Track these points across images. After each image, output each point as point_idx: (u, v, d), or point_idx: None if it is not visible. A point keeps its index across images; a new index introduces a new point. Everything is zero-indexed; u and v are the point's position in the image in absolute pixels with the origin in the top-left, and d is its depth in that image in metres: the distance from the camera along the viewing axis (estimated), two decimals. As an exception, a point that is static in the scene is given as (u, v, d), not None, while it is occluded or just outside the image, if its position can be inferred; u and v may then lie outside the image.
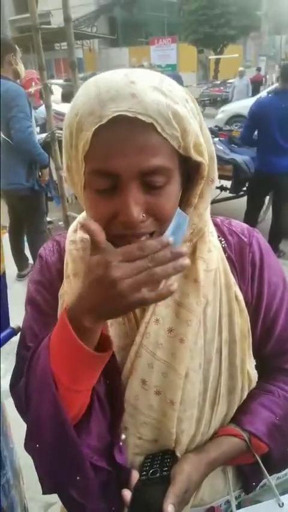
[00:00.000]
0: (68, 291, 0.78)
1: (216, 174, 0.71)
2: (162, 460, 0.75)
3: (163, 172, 0.63)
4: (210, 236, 0.78)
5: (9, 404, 1.16)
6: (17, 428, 1.17)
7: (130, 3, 26.01)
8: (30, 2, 3.68)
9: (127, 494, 0.70)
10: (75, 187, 0.70)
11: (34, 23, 3.73)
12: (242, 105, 9.97)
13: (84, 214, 0.83)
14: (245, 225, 0.88)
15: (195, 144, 0.65)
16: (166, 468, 0.73)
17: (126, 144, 0.59)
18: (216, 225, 0.84)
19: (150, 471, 0.74)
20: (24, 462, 1.19)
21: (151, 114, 0.59)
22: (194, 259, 0.75)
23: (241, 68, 13.48)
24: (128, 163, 0.60)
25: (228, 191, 5.07)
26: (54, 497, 0.94)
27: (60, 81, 8.21)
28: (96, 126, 0.59)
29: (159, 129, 0.60)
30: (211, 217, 0.81)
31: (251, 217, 4.48)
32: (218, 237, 0.82)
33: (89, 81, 0.65)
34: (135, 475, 0.73)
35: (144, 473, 0.74)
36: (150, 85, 0.61)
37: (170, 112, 0.60)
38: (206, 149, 0.68)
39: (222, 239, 0.82)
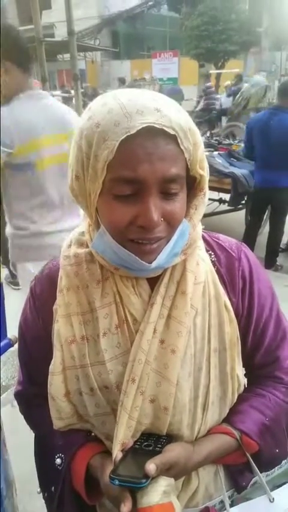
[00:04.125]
0: (61, 304, 0.81)
1: (207, 187, 0.77)
2: (157, 439, 0.79)
3: (179, 180, 0.69)
4: (198, 250, 0.81)
5: (5, 416, 1.16)
6: (12, 440, 1.17)
7: (133, 18, 26.35)
8: (34, 14, 3.74)
9: (118, 454, 0.74)
10: (86, 196, 0.71)
11: (38, 36, 3.79)
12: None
13: (79, 229, 0.86)
14: (233, 240, 0.91)
15: (201, 159, 0.71)
16: (160, 446, 0.77)
17: (152, 153, 0.65)
18: (204, 239, 0.88)
19: (145, 443, 0.78)
20: (17, 474, 1.18)
21: (174, 127, 0.65)
22: (184, 273, 0.79)
23: (228, 82, 10.91)
24: (153, 171, 0.65)
25: (227, 204, 5.10)
26: (45, 510, 0.93)
27: (59, 93, 8.32)
28: (124, 136, 0.63)
29: (179, 141, 0.67)
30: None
31: (252, 231, 4.51)
32: (208, 250, 0.86)
33: (104, 95, 0.71)
34: (130, 442, 0.77)
35: (139, 443, 0.78)
36: (167, 102, 0.68)
37: (187, 127, 0.68)
38: None
39: (212, 253, 0.86)
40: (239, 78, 12.23)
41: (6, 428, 1.14)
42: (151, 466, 0.69)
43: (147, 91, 0.70)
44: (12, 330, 1.15)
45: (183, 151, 0.68)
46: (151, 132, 0.64)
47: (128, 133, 0.63)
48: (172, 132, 0.65)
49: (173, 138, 0.66)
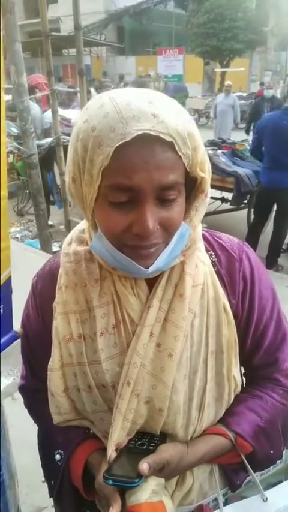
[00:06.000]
0: (59, 302, 0.81)
1: (209, 188, 0.75)
2: (151, 438, 0.79)
3: (177, 187, 0.67)
4: (197, 251, 0.80)
5: (6, 406, 1.17)
6: (12, 433, 1.18)
7: (139, 13, 26.27)
8: (41, 9, 3.73)
9: (112, 454, 0.74)
10: (82, 199, 0.71)
11: (45, 30, 3.78)
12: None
13: (80, 226, 0.86)
14: (236, 240, 0.89)
15: (201, 161, 0.70)
16: (153, 445, 0.76)
17: (148, 161, 0.62)
18: (206, 239, 0.86)
19: (139, 442, 0.77)
20: (17, 467, 1.20)
21: (171, 134, 0.63)
22: (182, 275, 0.77)
23: (228, 82, 9.80)
24: (149, 179, 0.63)
25: (229, 203, 5.11)
26: (45, 502, 0.95)
27: (66, 88, 8.32)
28: (119, 143, 0.61)
29: (176, 148, 0.64)
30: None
31: (255, 230, 4.51)
32: (208, 251, 0.85)
33: (101, 96, 0.68)
34: (125, 441, 0.77)
35: (133, 442, 0.77)
36: (166, 105, 0.65)
37: (186, 132, 0.65)
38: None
39: (212, 253, 0.85)
40: (121, 79, 14.49)
41: (9, 419, 1.15)
42: (144, 466, 0.69)
43: (147, 91, 0.67)
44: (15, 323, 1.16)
45: (182, 158, 0.65)
46: (147, 140, 0.61)
47: (124, 140, 0.61)
48: (169, 139, 0.62)
49: (170, 145, 0.63)
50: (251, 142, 4.72)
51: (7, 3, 3.29)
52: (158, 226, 0.67)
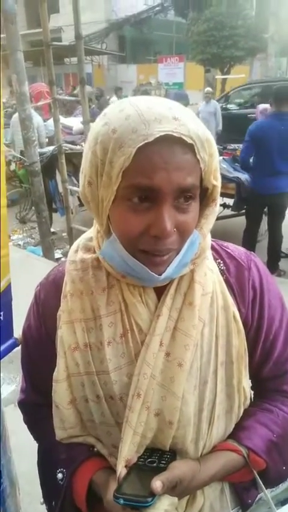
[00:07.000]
0: (64, 310, 0.80)
1: (218, 196, 0.76)
2: (161, 455, 0.77)
3: (193, 190, 0.68)
4: (206, 260, 0.80)
5: (8, 413, 1.17)
6: (13, 440, 1.17)
7: (140, 23, 26.45)
8: (43, 19, 3.78)
9: (122, 471, 0.72)
10: (98, 203, 0.70)
11: (46, 39, 3.82)
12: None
13: (86, 235, 0.85)
14: (243, 249, 0.89)
15: (215, 169, 0.71)
16: (164, 462, 0.74)
17: (168, 161, 0.63)
18: (213, 248, 0.86)
19: (148, 460, 0.75)
20: (20, 473, 1.19)
21: (192, 136, 0.64)
22: (191, 284, 0.77)
23: (208, 89, 10.00)
24: (169, 180, 0.64)
25: (230, 209, 5.11)
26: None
27: (67, 97, 8.41)
28: (142, 143, 0.62)
29: (196, 151, 0.65)
30: None
31: (250, 235, 4.50)
32: (216, 259, 0.84)
33: (121, 102, 0.69)
34: (134, 458, 0.75)
35: (142, 460, 0.75)
36: (184, 111, 0.67)
37: (205, 137, 0.67)
38: None
39: (221, 261, 0.85)
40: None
41: (8, 428, 1.15)
42: (157, 483, 0.67)
43: (164, 99, 0.68)
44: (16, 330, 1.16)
45: (199, 161, 0.66)
46: (169, 141, 0.63)
47: (146, 141, 0.62)
48: (190, 141, 0.64)
49: (190, 148, 0.65)
50: (241, 150, 4.65)
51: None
52: (175, 229, 0.68)
